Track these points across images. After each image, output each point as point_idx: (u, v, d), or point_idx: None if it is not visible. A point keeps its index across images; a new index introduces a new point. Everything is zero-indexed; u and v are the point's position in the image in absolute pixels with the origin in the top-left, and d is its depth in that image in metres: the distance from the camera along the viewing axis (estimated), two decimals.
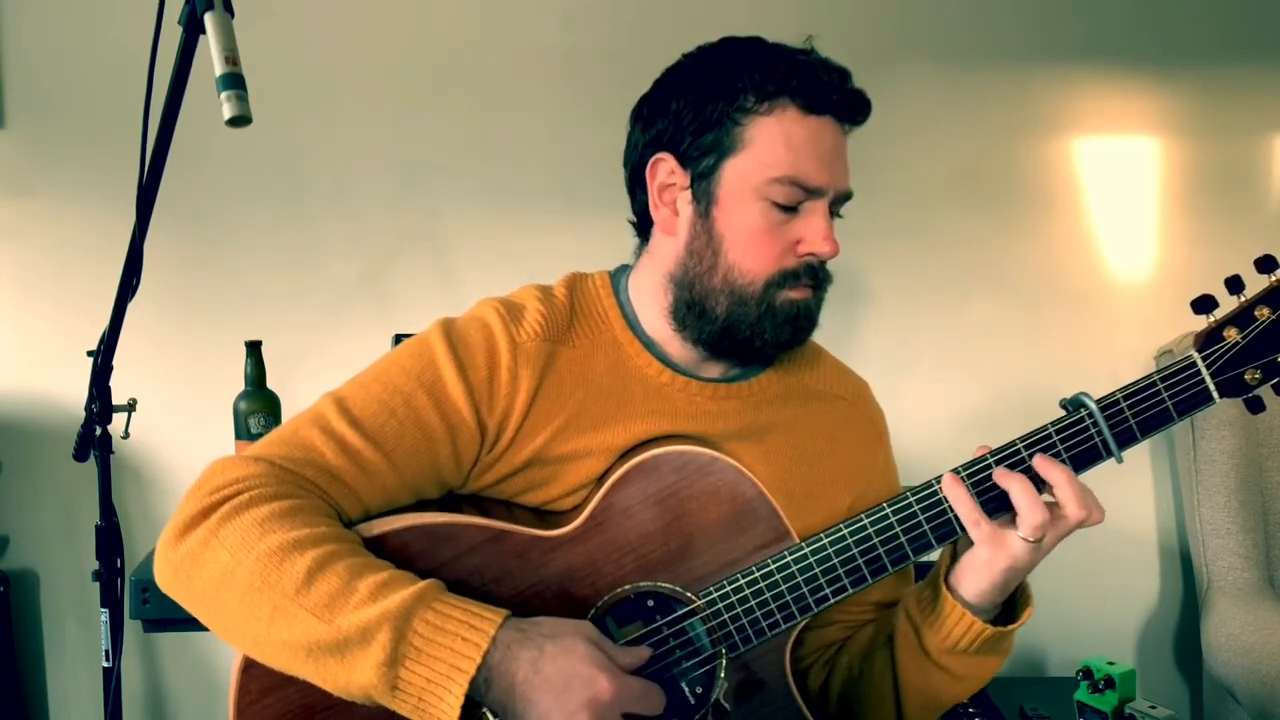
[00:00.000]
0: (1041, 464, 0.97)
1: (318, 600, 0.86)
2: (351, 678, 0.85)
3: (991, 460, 0.99)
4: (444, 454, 1.02)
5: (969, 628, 1.00)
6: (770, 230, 1.02)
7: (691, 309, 1.06)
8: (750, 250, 1.03)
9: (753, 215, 1.02)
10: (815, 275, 1.05)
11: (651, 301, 1.10)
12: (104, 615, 1.60)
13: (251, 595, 0.87)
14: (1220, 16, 2.20)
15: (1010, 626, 1.02)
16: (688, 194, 1.05)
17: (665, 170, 1.06)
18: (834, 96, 1.02)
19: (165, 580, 0.94)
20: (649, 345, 1.10)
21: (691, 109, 1.03)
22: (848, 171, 1.06)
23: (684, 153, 1.04)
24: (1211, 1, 2.19)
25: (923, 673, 1.06)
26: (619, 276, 1.15)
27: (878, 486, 1.17)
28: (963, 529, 0.99)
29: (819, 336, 1.23)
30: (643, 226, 1.13)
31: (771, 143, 1.01)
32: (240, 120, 1.10)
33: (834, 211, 1.07)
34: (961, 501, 0.98)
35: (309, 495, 0.95)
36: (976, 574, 0.99)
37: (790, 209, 1.02)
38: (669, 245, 1.08)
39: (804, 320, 1.06)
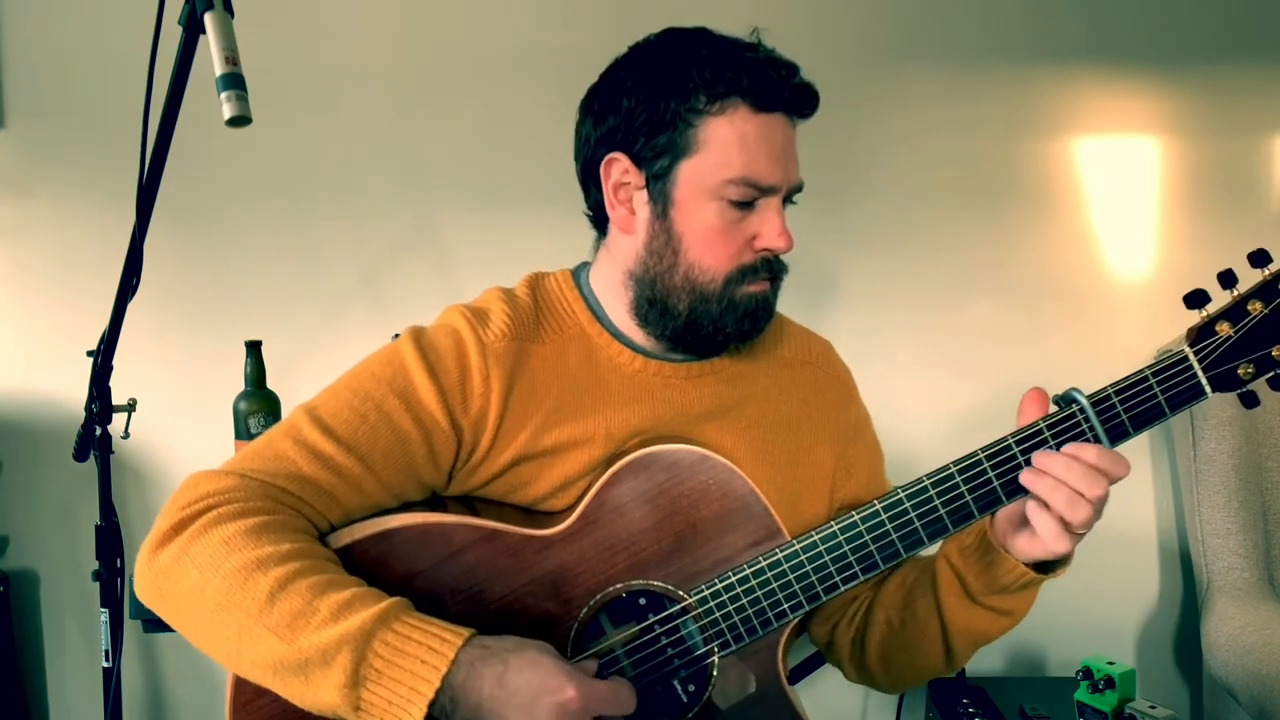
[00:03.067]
0: (1038, 462, 0.96)
1: (280, 620, 0.86)
2: (317, 696, 0.86)
3: (983, 457, 0.99)
4: (420, 456, 1.02)
5: (1020, 577, 1.01)
6: (727, 229, 1.04)
7: (653, 306, 1.07)
8: (709, 249, 1.04)
9: (709, 215, 1.03)
10: (772, 268, 1.08)
11: (613, 296, 1.11)
12: (104, 615, 1.61)
13: (219, 614, 0.89)
14: (1221, 17, 2.19)
15: (1058, 572, 1.02)
16: (644, 194, 1.06)
17: (619, 170, 1.07)
18: (784, 94, 1.03)
19: (142, 591, 0.96)
20: (617, 335, 1.11)
21: (644, 109, 1.03)
22: (798, 164, 1.08)
23: (638, 153, 1.05)
24: (1212, 1, 2.19)
25: (969, 613, 1.07)
26: (580, 272, 1.17)
27: (856, 441, 1.19)
28: (971, 518, 0.98)
29: (820, 332, 1.24)
30: (599, 220, 1.14)
31: (725, 144, 1.02)
32: (240, 120, 1.10)
33: (789, 200, 1.08)
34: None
35: (281, 509, 0.96)
36: (1026, 546, 0.99)
37: (745, 205, 1.04)
38: (628, 243, 1.09)
39: (763, 312, 1.08)
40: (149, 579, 0.94)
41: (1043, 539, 0.96)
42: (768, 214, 1.05)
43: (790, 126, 1.06)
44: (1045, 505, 0.95)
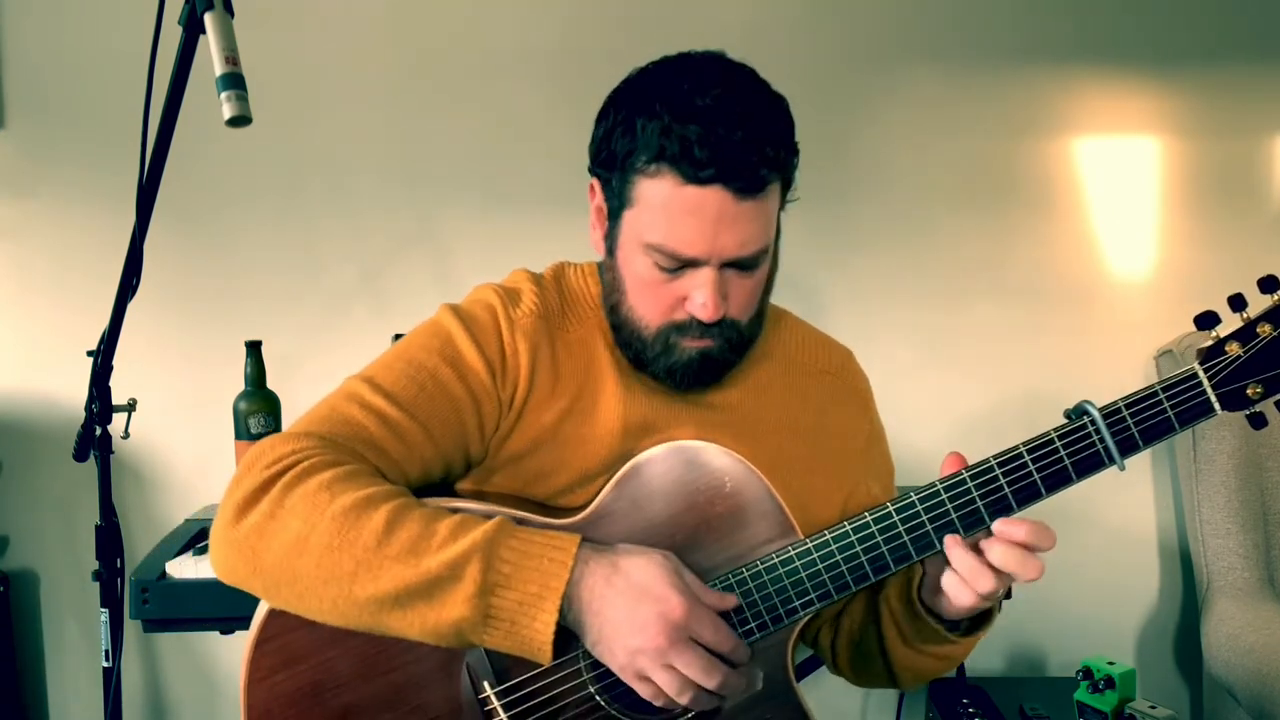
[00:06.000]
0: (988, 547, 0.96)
1: (401, 548, 0.88)
2: (441, 616, 0.88)
3: (994, 464, 0.99)
4: (471, 424, 1.04)
5: (943, 636, 1.04)
6: (657, 285, 1.01)
7: (617, 331, 1.08)
8: (641, 299, 1.03)
9: (642, 268, 1.01)
10: (708, 329, 1.02)
11: None
12: (104, 615, 1.60)
13: (331, 555, 0.89)
14: (1220, 16, 2.20)
15: (976, 635, 1.05)
16: (605, 227, 1.07)
17: (597, 195, 1.07)
18: (711, 171, 0.94)
19: (228, 562, 0.94)
20: None
21: (606, 148, 1.02)
22: (746, 237, 0.98)
23: (605, 187, 1.05)
24: (1211, 1, 2.20)
25: (908, 655, 1.10)
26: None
27: (869, 453, 1.19)
28: (982, 523, 0.99)
29: (821, 327, 1.24)
30: None
31: (651, 207, 0.98)
32: (240, 120, 1.10)
33: (744, 265, 1.01)
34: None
35: (362, 461, 0.97)
36: (949, 604, 1.00)
37: (672, 270, 1.00)
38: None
39: (707, 367, 1.05)
40: (232, 547, 0.92)
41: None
42: (699, 279, 0.99)
43: (733, 199, 0.96)
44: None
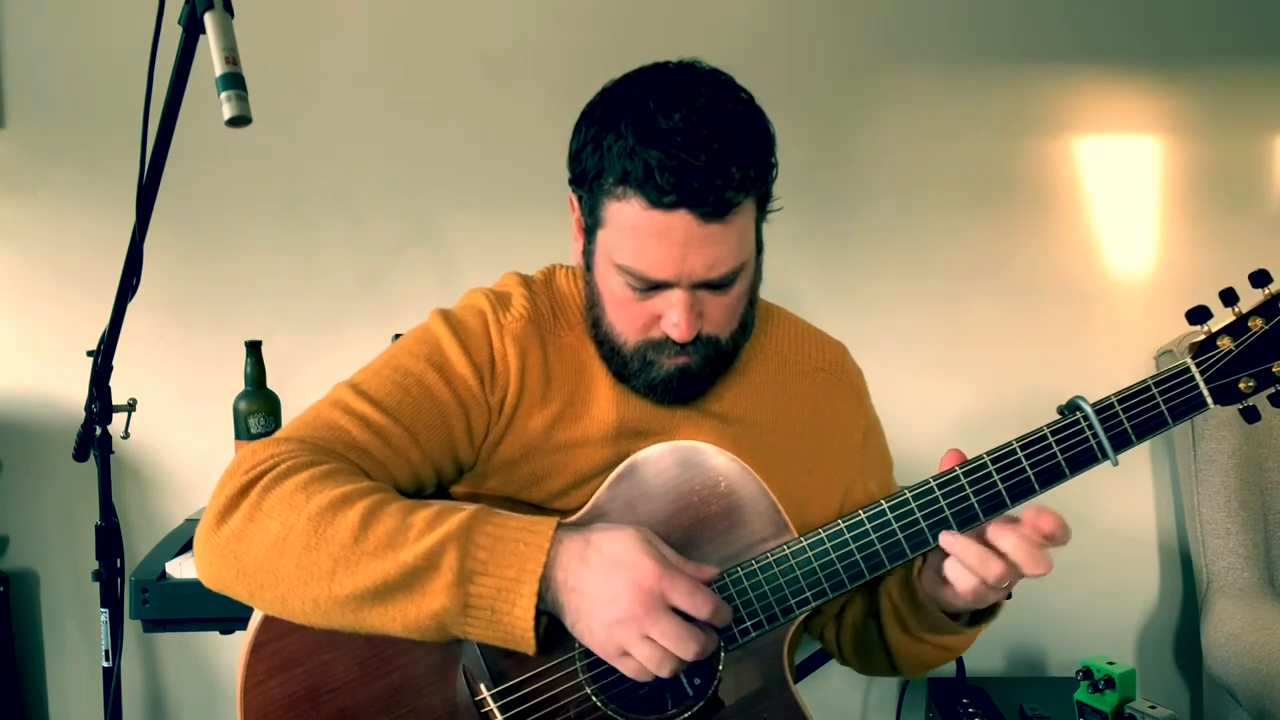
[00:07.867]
0: (993, 534, 0.96)
1: (378, 543, 0.89)
2: (422, 608, 0.88)
3: (988, 460, 0.99)
4: (459, 430, 1.04)
5: (946, 624, 1.04)
6: (631, 303, 1.01)
7: (600, 346, 1.08)
8: (618, 316, 1.03)
9: (616, 286, 1.02)
10: (685, 346, 1.02)
11: None
12: (104, 615, 1.61)
13: (309, 555, 0.89)
14: (1220, 16, 2.20)
15: (981, 625, 1.05)
16: (583, 242, 1.07)
17: (575, 210, 1.07)
18: (675, 196, 0.93)
19: (210, 567, 0.94)
20: None
21: (579, 166, 1.01)
22: (716, 259, 0.97)
23: (580, 203, 1.05)
24: (1211, 1, 2.19)
25: (908, 644, 1.10)
26: None
27: (865, 448, 1.19)
28: (976, 520, 0.99)
29: (819, 325, 1.24)
30: None
31: (620, 229, 0.98)
32: (240, 120, 1.10)
33: (717, 285, 1.00)
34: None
35: (344, 463, 0.97)
36: (952, 595, 1.00)
37: (646, 290, 1.00)
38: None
39: (686, 383, 1.05)
40: (214, 551, 0.93)
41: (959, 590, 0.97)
42: (671, 300, 1.00)
43: (700, 222, 0.95)
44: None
